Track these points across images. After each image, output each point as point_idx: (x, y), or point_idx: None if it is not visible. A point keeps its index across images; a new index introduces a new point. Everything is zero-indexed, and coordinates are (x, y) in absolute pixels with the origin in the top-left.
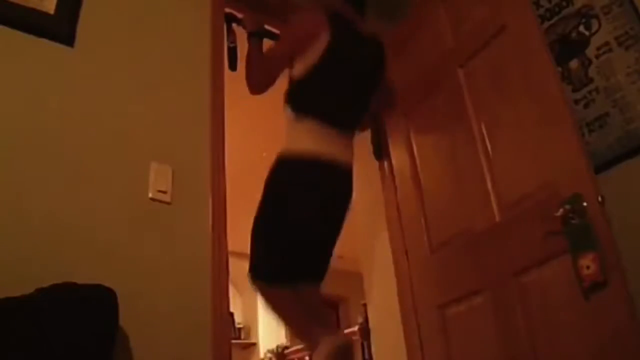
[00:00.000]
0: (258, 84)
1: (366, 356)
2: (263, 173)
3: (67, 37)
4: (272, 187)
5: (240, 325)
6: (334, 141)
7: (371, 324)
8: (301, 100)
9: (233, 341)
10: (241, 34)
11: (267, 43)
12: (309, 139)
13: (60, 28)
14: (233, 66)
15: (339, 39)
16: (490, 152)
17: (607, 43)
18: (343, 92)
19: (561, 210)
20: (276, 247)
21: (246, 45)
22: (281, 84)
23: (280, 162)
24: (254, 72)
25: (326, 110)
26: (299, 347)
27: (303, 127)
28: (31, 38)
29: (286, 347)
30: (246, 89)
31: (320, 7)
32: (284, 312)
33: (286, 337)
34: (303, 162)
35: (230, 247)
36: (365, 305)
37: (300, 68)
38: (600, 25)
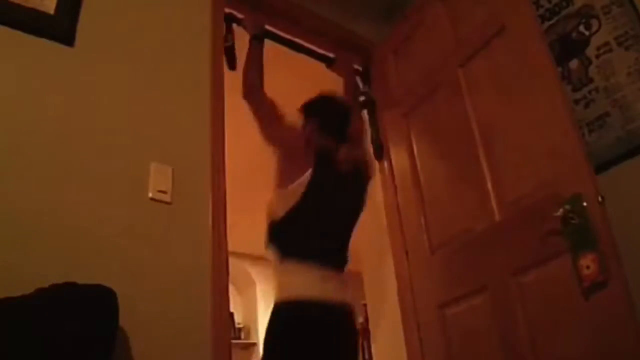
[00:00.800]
0: (248, 96)
1: (366, 356)
2: (263, 173)
3: (67, 37)
4: (272, 338)
5: (240, 325)
6: (326, 281)
7: (371, 324)
8: (287, 242)
9: (233, 341)
10: (241, 34)
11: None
12: (300, 282)
13: (60, 28)
14: (232, 65)
15: (321, 178)
16: (490, 152)
17: (607, 43)
18: (329, 229)
19: (561, 210)
20: None
21: (245, 44)
22: (283, 86)
23: (276, 310)
24: (247, 78)
25: (314, 251)
26: None
27: (292, 270)
28: (31, 38)
29: None
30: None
31: (315, 145)
32: None
33: None
34: (299, 307)
35: (230, 247)
36: (365, 305)
37: (283, 206)
38: (600, 25)
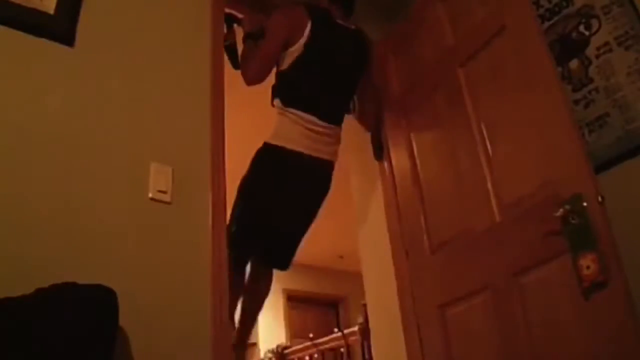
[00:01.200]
0: (252, 77)
1: (366, 356)
2: None
3: (67, 37)
4: (254, 167)
5: None
6: (317, 134)
7: (371, 324)
8: (286, 92)
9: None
10: (241, 34)
11: None
12: (293, 131)
13: (60, 28)
14: (235, 65)
15: (320, 31)
16: (490, 152)
17: (607, 43)
18: (326, 82)
19: (561, 210)
20: (247, 218)
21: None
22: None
23: (265, 147)
24: (248, 66)
25: (311, 102)
26: (299, 347)
27: (288, 117)
28: (31, 38)
29: (286, 347)
30: (246, 89)
31: (302, 3)
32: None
33: (286, 337)
34: (285, 152)
35: None
36: (365, 305)
37: (285, 61)
38: (600, 25)
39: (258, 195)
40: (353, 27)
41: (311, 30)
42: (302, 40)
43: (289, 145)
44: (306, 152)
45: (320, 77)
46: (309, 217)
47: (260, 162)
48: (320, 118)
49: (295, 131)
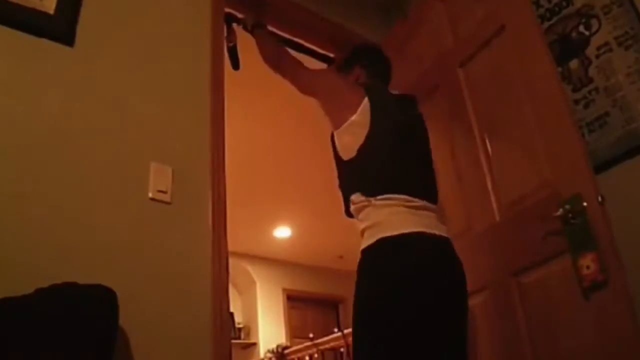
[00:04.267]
0: (273, 64)
1: None
2: (263, 173)
3: (67, 37)
4: (370, 280)
5: (240, 325)
6: (426, 211)
7: None
8: (370, 180)
9: (233, 341)
10: (241, 34)
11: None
12: (402, 214)
13: (60, 28)
14: (236, 65)
15: (380, 101)
16: (490, 152)
17: (607, 43)
18: (408, 159)
19: (561, 210)
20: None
21: (246, 44)
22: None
23: (376, 245)
24: (267, 52)
25: (402, 183)
26: (299, 347)
27: (384, 210)
28: (31, 38)
29: (286, 347)
30: (246, 89)
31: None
32: None
33: (286, 337)
34: (407, 239)
35: (230, 247)
36: None
37: (349, 145)
38: (600, 25)
39: (398, 314)
40: (401, 93)
41: (370, 103)
42: (365, 118)
43: (409, 229)
44: (430, 230)
45: (399, 151)
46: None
47: (377, 268)
48: (417, 196)
49: (405, 213)
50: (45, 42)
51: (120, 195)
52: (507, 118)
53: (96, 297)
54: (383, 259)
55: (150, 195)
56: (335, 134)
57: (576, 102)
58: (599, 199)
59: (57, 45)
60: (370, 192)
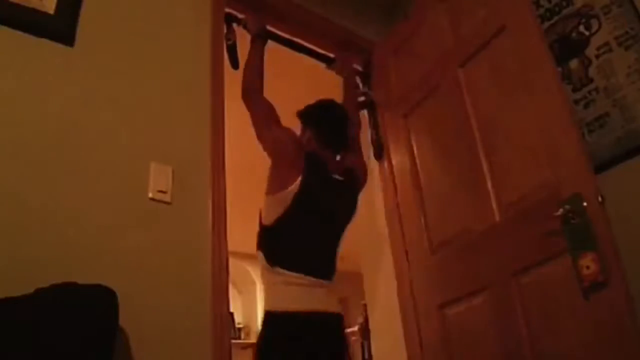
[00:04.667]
0: (246, 98)
1: (366, 356)
2: (263, 173)
3: (67, 37)
4: (261, 346)
5: (240, 325)
6: (314, 288)
7: (371, 324)
8: (275, 251)
9: (233, 341)
10: (241, 34)
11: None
12: (287, 294)
13: (60, 28)
14: (235, 64)
15: (311, 182)
16: (490, 152)
17: (607, 43)
18: (316, 240)
19: (561, 210)
20: None
21: (246, 44)
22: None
23: (265, 320)
24: (247, 79)
25: (301, 261)
26: None
27: (279, 279)
28: (31, 38)
29: None
30: None
31: (302, 146)
32: None
33: None
34: (285, 319)
35: (230, 247)
36: (365, 305)
37: (272, 214)
38: (600, 25)
39: None
40: (346, 170)
41: (302, 181)
42: (292, 190)
43: (290, 308)
44: (311, 308)
45: (309, 234)
46: None
47: (266, 340)
48: (311, 275)
49: (290, 290)
50: (45, 42)
51: (120, 195)
52: (507, 118)
53: (96, 297)
54: (264, 330)
55: (150, 195)
56: (265, 197)
57: (576, 102)
58: (599, 199)
59: (57, 45)
60: (271, 261)
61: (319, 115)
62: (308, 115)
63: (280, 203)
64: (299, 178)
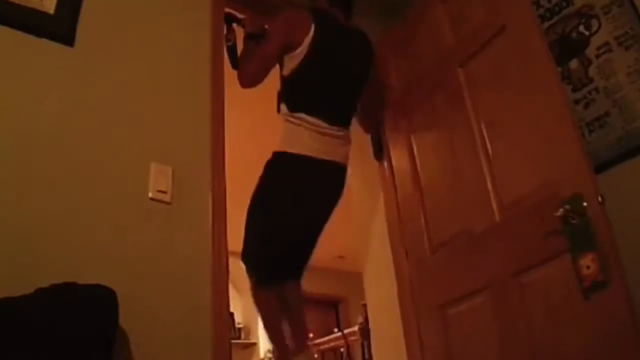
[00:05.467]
0: (249, 79)
1: (366, 356)
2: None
3: (67, 37)
4: (266, 179)
5: (240, 325)
6: (326, 137)
7: (371, 324)
8: (293, 98)
9: (233, 341)
10: (241, 34)
11: None
12: (302, 136)
13: (60, 28)
14: (235, 64)
15: (323, 33)
16: (490, 152)
17: (607, 43)
18: (332, 85)
19: (561, 210)
20: (265, 235)
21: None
22: (276, 83)
23: (275, 156)
24: (246, 68)
25: (318, 106)
26: None
27: (296, 123)
28: (31, 38)
29: None
30: (246, 89)
31: (304, 6)
32: (265, 314)
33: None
34: (295, 158)
35: (230, 247)
36: (365, 305)
37: (289, 66)
38: (600, 25)
39: (275, 209)
40: (357, 28)
41: (315, 33)
42: (306, 43)
43: (300, 151)
44: (318, 155)
45: (325, 80)
46: (322, 224)
47: (272, 173)
48: (327, 121)
49: (304, 136)
50: (45, 42)
51: (120, 195)
52: (507, 118)
53: (96, 297)
54: (274, 169)
55: (150, 195)
56: (284, 57)
57: (576, 102)
58: (599, 199)
59: (57, 45)
60: (290, 107)
61: None
62: None
63: (296, 55)
64: (311, 30)
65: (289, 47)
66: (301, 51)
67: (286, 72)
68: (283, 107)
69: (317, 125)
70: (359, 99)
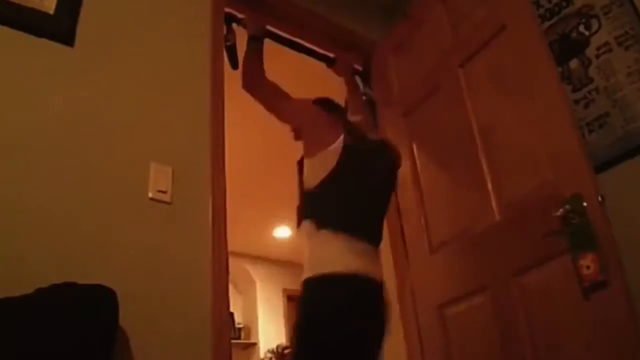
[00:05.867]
0: (249, 86)
1: None
2: (263, 173)
3: (67, 37)
4: (314, 311)
5: (240, 325)
6: (364, 256)
7: None
8: (322, 213)
9: (233, 341)
10: (241, 34)
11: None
12: (340, 255)
13: (60, 28)
14: (235, 65)
15: (354, 146)
16: (491, 152)
17: (607, 43)
18: (364, 202)
19: (561, 210)
20: None
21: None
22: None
23: (316, 285)
24: (247, 71)
25: (351, 222)
26: None
27: (330, 241)
28: (31, 38)
29: (286, 347)
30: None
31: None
32: None
33: (286, 337)
34: (342, 281)
35: (230, 247)
36: None
37: (314, 176)
38: (600, 25)
39: (342, 337)
40: (381, 139)
41: (344, 147)
42: (335, 156)
43: (349, 268)
44: (363, 273)
45: (358, 198)
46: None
47: (327, 298)
48: (365, 241)
49: (346, 252)
50: (45, 42)
51: (120, 195)
52: (507, 118)
53: (96, 297)
54: (320, 294)
55: (150, 195)
56: (305, 161)
57: (576, 102)
58: (599, 199)
59: (57, 45)
60: (320, 224)
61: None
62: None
63: (323, 163)
64: (340, 138)
65: (304, 137)
66: (328, 157)
67: (312, 183)
68: (307, 223)
69: (354, 242)
70: (385, 215)
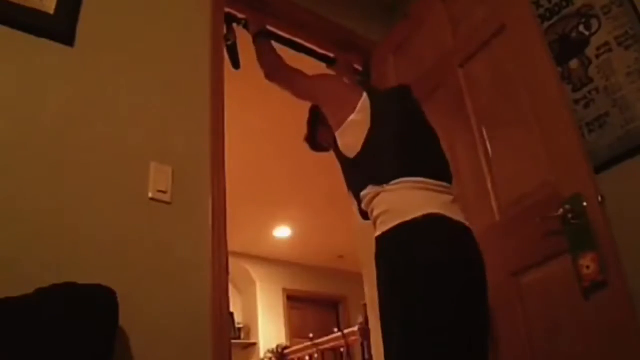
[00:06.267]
0: (271, 74)
1: (366, 356)
2: (263, 173)
3: (67, 37)
4: (396, 267)
5: (240, 325)
6: (444, 196)
7: (371, 324)
8: (381, 168)
9: (233, 341)
10: (241, 34)
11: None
12: (421, 200)
13: (60, 28)
14: (236, 64)
15: (379, 97)
16: (490, 152)
17: (607, 43)
18: (417, 142)
19: (561, 210)
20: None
21: (246, 43)
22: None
23: (397, 231)
24: (266, 65)
25: (416, 165)
26: (299, 347)
27: (404, 190)
28: (31, 38)
29: (286, 347)
30: (246, 89)
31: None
32: None
33: (286, 337)
34: (427, 222)
35: (230, 247)
36: (365, 305)
37: (354, 141)
38: (600, 25)
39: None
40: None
41: (370, 98)
42: (366, 111)
43: (427, 211)
44: (447, 214)
45: (408, 138)
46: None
47: (399, 256)
48: (435, 178)
49: (417, 197)
50: (45, 42)
51: (120, 195)
52: (507, 118)
53: (96, 297)
54: (402, 246)
55: (150, 195)
56: (337, 135)
57: (576, 102)
58: (599, 199)
59: (57, 45)
60: (382, 180)
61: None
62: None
63: (356, 127)
64: (363, 97)
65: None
66: (359, 118)
67: (355, 150)
68: (369, 189)
69: (425, 182)
70: (441, 148)
